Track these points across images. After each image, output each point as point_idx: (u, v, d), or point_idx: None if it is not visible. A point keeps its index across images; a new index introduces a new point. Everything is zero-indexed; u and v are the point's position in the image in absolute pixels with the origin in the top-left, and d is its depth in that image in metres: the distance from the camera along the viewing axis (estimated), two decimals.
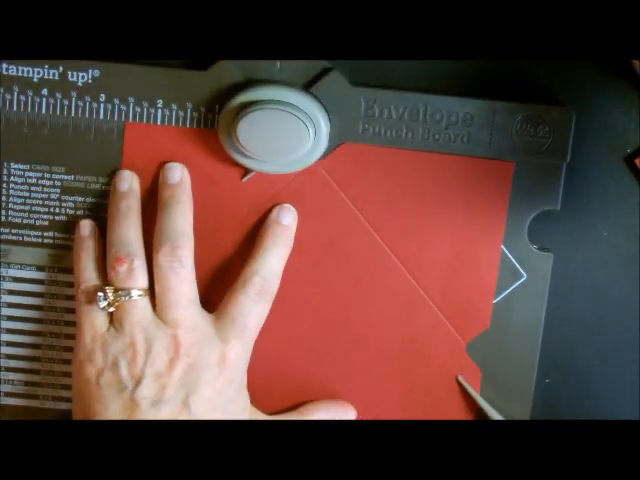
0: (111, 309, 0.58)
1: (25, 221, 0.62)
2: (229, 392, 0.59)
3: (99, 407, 0.58)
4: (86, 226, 0.61)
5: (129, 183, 0.60)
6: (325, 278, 0.62)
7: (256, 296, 0.59)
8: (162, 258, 0.58)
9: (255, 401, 0.62)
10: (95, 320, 0.59)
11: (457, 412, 0.63)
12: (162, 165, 0.61)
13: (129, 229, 0.60)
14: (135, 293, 0.58)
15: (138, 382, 0.57)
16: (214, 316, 0.60)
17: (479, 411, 0.63)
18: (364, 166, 0.61)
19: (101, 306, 0.58)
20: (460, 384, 0.63)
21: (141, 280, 0.59)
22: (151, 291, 0.59)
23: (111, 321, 0.59)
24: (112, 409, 0.57)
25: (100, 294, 0.58)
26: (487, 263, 0.62)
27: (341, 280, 0.62)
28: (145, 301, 0.59)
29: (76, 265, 0.61)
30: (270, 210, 0.61)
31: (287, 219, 0.61)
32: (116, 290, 0.58)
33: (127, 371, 0.58)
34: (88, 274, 0.60)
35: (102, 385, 0.58)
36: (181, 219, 0.60)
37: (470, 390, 0.62)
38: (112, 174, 0.61)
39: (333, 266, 0.62)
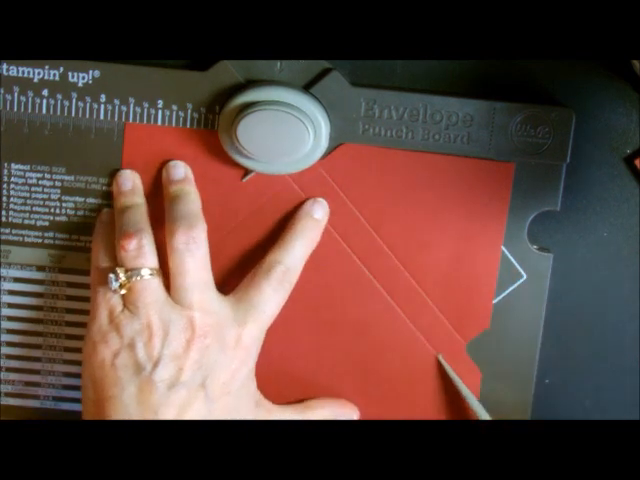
0: (123, 291, 0.58)
1: (26, 221, 0.62)
2: (242, 376, 0.59)
3: (115, 390, 0.57)
4: (107, 213, 0.61)
5: (132, 182, 0.61)
6: (325, 278, 0.62)
7: (277, 284, 0.59)
8: (178, 240, 0.58)
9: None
10: (110, 301, 0.58)
11: (458, 412, 0.63)
12: (163, 165, 0.61)
13: (137, 214, 0.60)
14: (146, 272, 0.58)
15: (156, 363, 0.57)
16: (231, 299, 0.60)
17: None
18: (364, 166, 0.61)
19: (113, 288, 0.58)
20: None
21: (151, 259, 0.58)
22: (162, 272, 0.59)
23: (125, 304, 0.58)
24: (128, 391, 0.57)
25: (111, 275, 0.58)
26: (487, 263, 0.62)
27: (341, 280, 0.62)
28: (157, 281, 0.58)
29: (93, 249, 0.61)
30: (303, 203, 0.61)
31: (319, 213, 0.61)
32: (127, 270, 0.58)
33: (144, 352, 0.57)
34: (103, 257, 0.60)
35: (118, 367, 0.57)
36: (192, 204, 0.60)
37: (449, 371, 0.62)
38: (112, 174, 0.61)
39: (333, 266, 0.62)
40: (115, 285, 0.58)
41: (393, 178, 0.61)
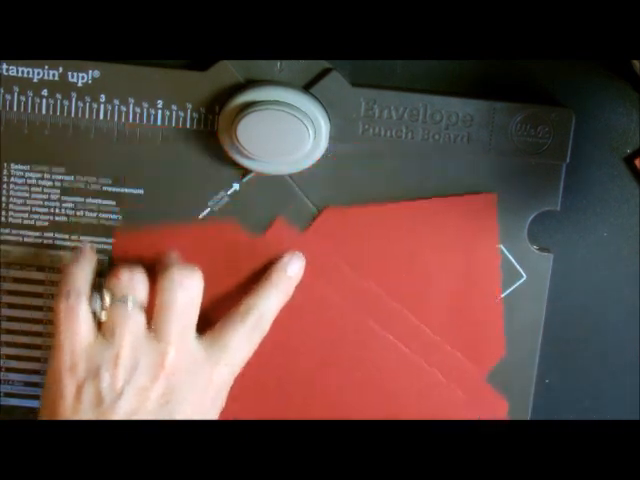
0: (103, 315, 0.57)
1: (25, 222, 0.62)
2: (210, 415, 0.58)
3: (73, 417, 0.55)
4: (90, 247, 0.60)
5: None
6: (332, 333, 0.62)
7: (251, 330, 0.59)
8: (173, 272, 0.57)
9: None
10: (83, 326, 0.56)
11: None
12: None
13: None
14: (133, 302, 0.57)
15: (119, 396, 0.56)
16: (207, 340, 0.59)
17: None
18: (350, 230, 0.61)
19: (93, 308, 0.57)
20: None
21: (141, 291, 0.57)
22: (147, 310, 0.58)
23: (100, 330, 0.57)
24: (86, 418, 0.55)
25: (96, 295, 0.57)
26: (490, 306, 0.62)
27: (349, 334, 0.62)
28: (142, 317, 0.57)
29: (68, 273, 0.58)
30: (281, 256, 0.61)
31: (292, 269, 0.61)
32: (114, 295, 0.57)
33: (108, 383, 0.56)
34: (80, 280, 0.57)
35: (80, 399, 0.56)
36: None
37: None
38: (112, 174, 0.61)
39: (336, 319, 0.62)
40: (96, 306, 0.57)
41: (380, 233, 0.61)
